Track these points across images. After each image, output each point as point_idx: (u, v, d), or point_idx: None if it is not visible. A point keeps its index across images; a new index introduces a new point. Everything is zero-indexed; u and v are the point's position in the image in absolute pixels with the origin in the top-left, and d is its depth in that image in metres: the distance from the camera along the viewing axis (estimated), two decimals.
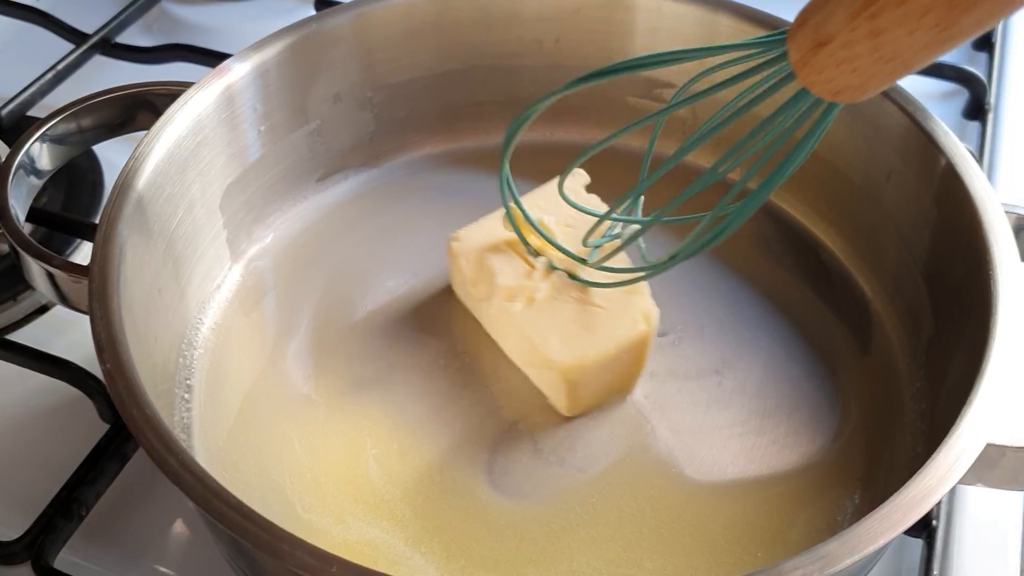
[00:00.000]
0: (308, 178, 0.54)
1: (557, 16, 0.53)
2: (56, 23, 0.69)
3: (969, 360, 0.38)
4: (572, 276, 0.46)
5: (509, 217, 0.46)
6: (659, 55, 0.38)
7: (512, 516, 0.42)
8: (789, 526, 0.42)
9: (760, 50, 0.36)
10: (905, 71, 0.33)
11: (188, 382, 0.46)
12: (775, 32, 0.35)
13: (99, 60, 0.67)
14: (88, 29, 0.68)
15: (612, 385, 0.45)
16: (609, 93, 0.56)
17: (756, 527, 0.42)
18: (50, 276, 0.43)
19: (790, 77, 0.35)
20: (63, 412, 0.49)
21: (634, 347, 0.45)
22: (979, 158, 0.59)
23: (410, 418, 0.45)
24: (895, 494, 0.33)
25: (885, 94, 0.47)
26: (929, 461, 0.34)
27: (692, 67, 0.39)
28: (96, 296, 0.38)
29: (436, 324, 0.49)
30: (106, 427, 0.46)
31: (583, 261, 0.46)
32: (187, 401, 0.45)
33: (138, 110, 0.49)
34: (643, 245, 0.45)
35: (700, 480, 0.43)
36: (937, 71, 0.65)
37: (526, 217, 0.46)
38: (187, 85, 0.47)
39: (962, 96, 0.64)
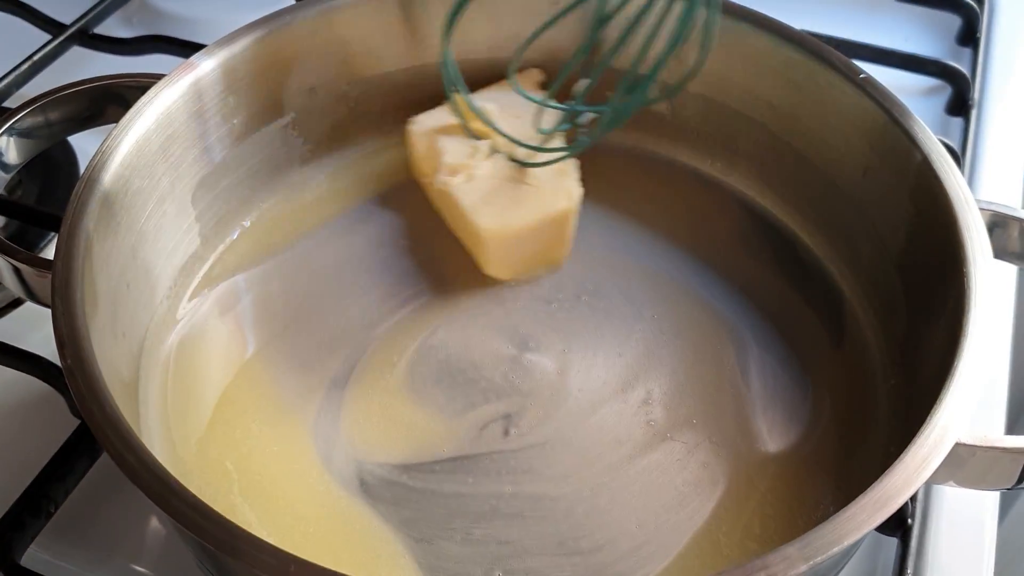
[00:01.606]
0: (283, 172, 0.53)
1: (536, 9, 0.53)
2: (33, 13, 0.68)
3: (943, 358, 0.38)
4: (511, 158, 0.50)
5: (452, 103, 0.51)
6: None
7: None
8: (761, 522, 0.41)
9: None
10: None
11: (157, 379, 0.46)
12: None
13: (77, 51, 0.67)
14: (66, 20, 0.67)
15: (537, 256, 0.50)
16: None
17: (726, 521, 0.41)
18: (16, 271, 0.42)
19: None
20: (33, 407, 0.48)
21: (556, 221, 0.49)
22: (962, 154, 0.59)
23: (392, 410, 0.45)
24: (861, 494, 0.33)
25: (863, 89, 0.46)
26: (897, 461, 0.34)
27: None
28: (58, 291, 0.38)
29: (414, 322, 0.49)
30: (77, 423, 0.46)
31: (521, 144, 0.50)
32: (153, 399, 0.45)
33: (107, 103, 0.48)
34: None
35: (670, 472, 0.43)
36: (920, 66, 0.64)
37: (469, 103, 0.50)
38: (157, 78, 0.46)
39: (945, 92, 0.64)
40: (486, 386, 0.46)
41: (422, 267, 0.51)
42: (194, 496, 0.32)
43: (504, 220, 0.48)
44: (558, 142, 0.50)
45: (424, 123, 0.52)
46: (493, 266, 0.50)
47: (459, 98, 0.51)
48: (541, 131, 0.50)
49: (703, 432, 0.44)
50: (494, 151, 0.51)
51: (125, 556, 0.43)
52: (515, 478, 0.43)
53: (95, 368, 0.36)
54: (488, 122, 0.50)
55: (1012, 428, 0.52)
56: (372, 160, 0.56)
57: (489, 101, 0.51)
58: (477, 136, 0.51)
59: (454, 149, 0.51)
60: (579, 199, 0.49)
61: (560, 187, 0.49)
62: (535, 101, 0.50)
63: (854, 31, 0.64)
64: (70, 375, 0.36)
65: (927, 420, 0.35)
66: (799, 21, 0.51)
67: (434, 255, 0.52)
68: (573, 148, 0.50)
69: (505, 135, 0.50)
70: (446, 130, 0.52)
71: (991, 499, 0.46)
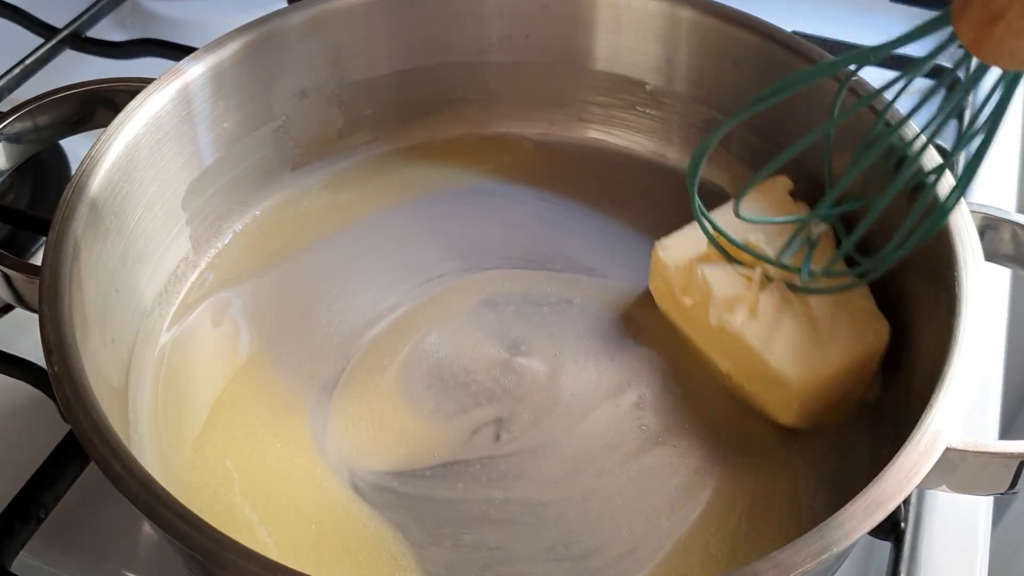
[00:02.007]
0: (274, 175, 0.53)
1: (526, 12, 0.53)
2: (25, 16, 0.68)
3: (934, 363, 0.38)
4: (792, 287, 0.44)
5: (714, 243, 0.45)
6: (827, 65, 0.40)
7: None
8: (751, 526, 0.41)
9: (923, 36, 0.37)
10: None
11: (149, 384, 0.45)
12: (932, 19, 0.36)
13: (69, 55, 0.66)
14: (58, 23, 0.67)
15: (841, 400, 0.44)
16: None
17: (716, 526, 0.41)
18: (5, 277, 0.42)
19: (967, 57, 0.36)
20: (24, 413, 0.48)
21: (865, 362, 0.43)
22: (956, 156, 0.58)
23: (383, 414, 0.45)
24: (851, 500, 0.33)
25: (851, 91, 0.46)
26: (888, 466, 0.34)
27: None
28: (46, 297, 0.38)
29: (405, 326, 0.49)
30: (67, 428, 0.46)
31: (799, 271, 0.44)
32: (145, 404, 0.45)
33: (97, 107, 0.48)
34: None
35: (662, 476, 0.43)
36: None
37: (731, 241, 0.45)
38: (147, 82, 0.46)
39: (939, 93, 0.64)
40: (477, 390, 0.46)
41: (414, 271, 0.51)
42: (181, 505, 0.32)
43: (811, 366, 0.42)
44: (840, 264, 0.45)
45: (676, 251, 0.47)
46: (793, 416, 0.43)
47: (719, 237, 0.45)
48: (784, 258, 0.45)
49: (695, 436, 0.44)
50: (767, 278, 0.45)
51: (116, 562, 0.43)
52: (506, 483, 0.43)
53: (82, 375, 0.36)
54: (759, 257, 0.45)
55: (1006, 432, 0.52)
56: (364, 168, 0.56)
57: (738, 224, 0.45)
58: (743, 263, 0.46)
59: (723, 280, 0.44)
60: (888, 334, 0.43)
61: (861, 320, 0.43)
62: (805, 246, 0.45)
63: (846, 32, 0.64)
64: (57, 382, 0.35)
65: (918, 425, 0.35)
66: (791, 22, 0.51)
67: (428, 259, 0.52)
68: (866, 273, 0.43)
69: (782, 266, 0.44)
70: (705, 258, 0.46)
71: (985, 503, 0.45)
